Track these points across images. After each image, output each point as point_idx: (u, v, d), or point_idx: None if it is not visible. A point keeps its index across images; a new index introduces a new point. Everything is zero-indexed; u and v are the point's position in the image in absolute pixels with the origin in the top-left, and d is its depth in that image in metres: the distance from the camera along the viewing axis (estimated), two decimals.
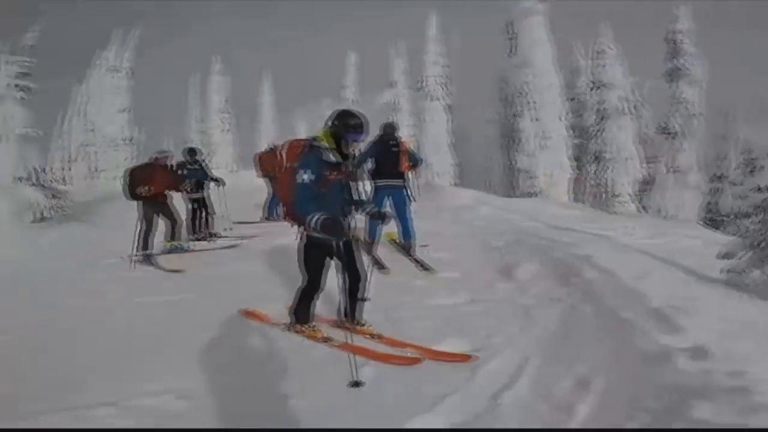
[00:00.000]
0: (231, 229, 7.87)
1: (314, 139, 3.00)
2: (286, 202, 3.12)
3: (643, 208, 17.08)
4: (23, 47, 9.52)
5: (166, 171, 6.40)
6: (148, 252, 5.98)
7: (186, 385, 2.69)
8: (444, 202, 8.87)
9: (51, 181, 10.39)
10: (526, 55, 15.96)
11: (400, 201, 5.35)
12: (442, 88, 21.57)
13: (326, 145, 2.92)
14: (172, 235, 6.48)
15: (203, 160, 7.94)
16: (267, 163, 8.92)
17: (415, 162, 5.54)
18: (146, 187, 5.90)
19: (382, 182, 5.37)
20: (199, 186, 7.59)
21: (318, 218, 2.73)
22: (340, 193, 3.07)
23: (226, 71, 27.49)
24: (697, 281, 3.80)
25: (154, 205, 6.17)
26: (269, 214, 8.46)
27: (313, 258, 3.15)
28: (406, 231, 5.36)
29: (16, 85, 9.10)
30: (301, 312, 3.27)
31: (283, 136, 28.48)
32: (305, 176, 2.81)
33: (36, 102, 9.52)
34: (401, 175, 5.35)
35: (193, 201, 7.60)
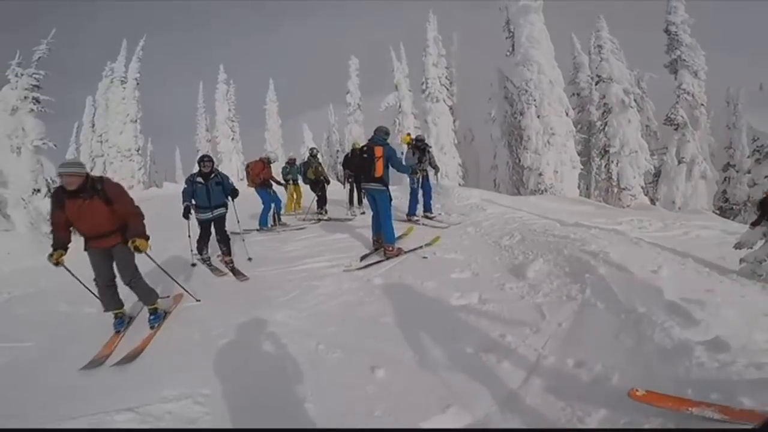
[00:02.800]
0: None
1: None
2: None
3: (651, 201, 16.91)
4: (36, 60, 9.72)
5: (86, 197, 3.56)
6: (130, 317, 4.15)
7: (203, 390, 2.73)
8: (452, 203, 8.83)
9: None
10: (525, 52, 15.92)
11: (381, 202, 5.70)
12: (446, 89, 21.66)
13: None
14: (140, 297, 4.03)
15: (217, 169, 5.87)
16: (254, 173, 8.87)
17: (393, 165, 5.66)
18: (54, 256, 3.65)
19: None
20: (219, 204, 5.72)
21: None
22: None
23: (231, 80, 28.02)
24: (713, 273, 3.76)
25: (98, 253, 3.82)
26: (261, 225, 8.48)
27: None
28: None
29: (32, 98, 9.28)
30: None
31: (288, 142, 28.88)
32: None
33: (50, 114, 9.69)
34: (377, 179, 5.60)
35: (202, 222, 5.78)
